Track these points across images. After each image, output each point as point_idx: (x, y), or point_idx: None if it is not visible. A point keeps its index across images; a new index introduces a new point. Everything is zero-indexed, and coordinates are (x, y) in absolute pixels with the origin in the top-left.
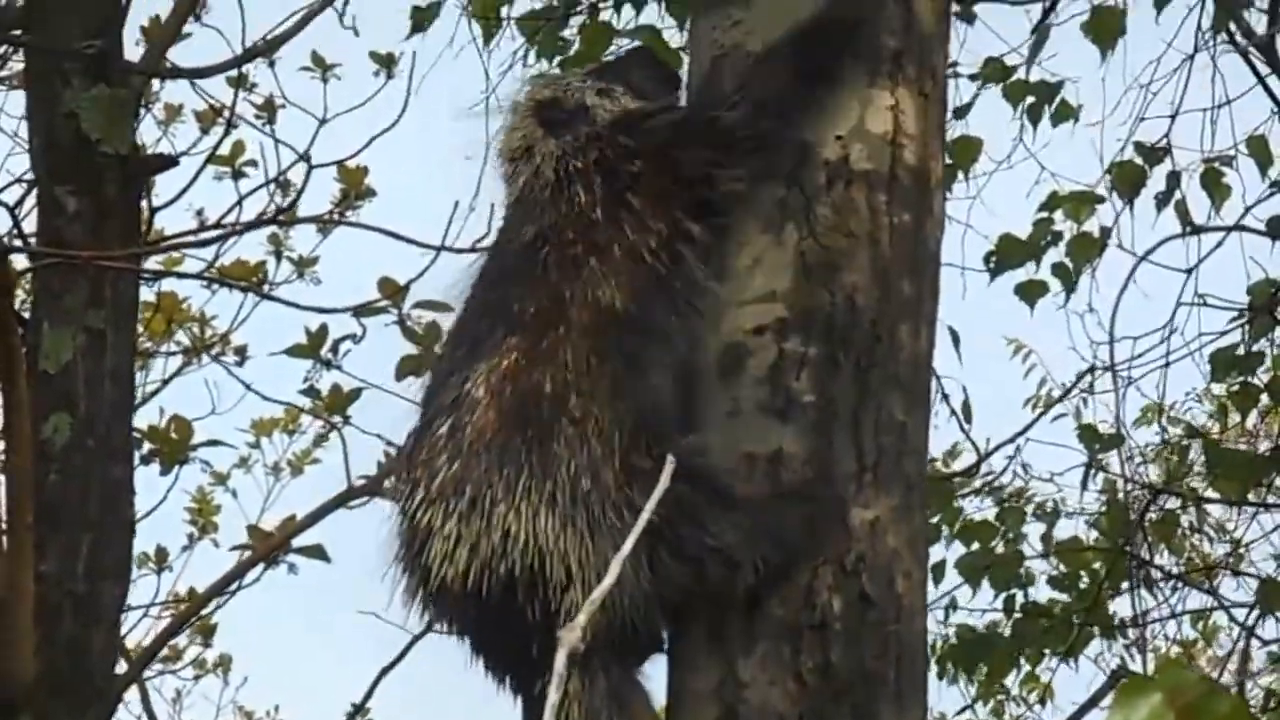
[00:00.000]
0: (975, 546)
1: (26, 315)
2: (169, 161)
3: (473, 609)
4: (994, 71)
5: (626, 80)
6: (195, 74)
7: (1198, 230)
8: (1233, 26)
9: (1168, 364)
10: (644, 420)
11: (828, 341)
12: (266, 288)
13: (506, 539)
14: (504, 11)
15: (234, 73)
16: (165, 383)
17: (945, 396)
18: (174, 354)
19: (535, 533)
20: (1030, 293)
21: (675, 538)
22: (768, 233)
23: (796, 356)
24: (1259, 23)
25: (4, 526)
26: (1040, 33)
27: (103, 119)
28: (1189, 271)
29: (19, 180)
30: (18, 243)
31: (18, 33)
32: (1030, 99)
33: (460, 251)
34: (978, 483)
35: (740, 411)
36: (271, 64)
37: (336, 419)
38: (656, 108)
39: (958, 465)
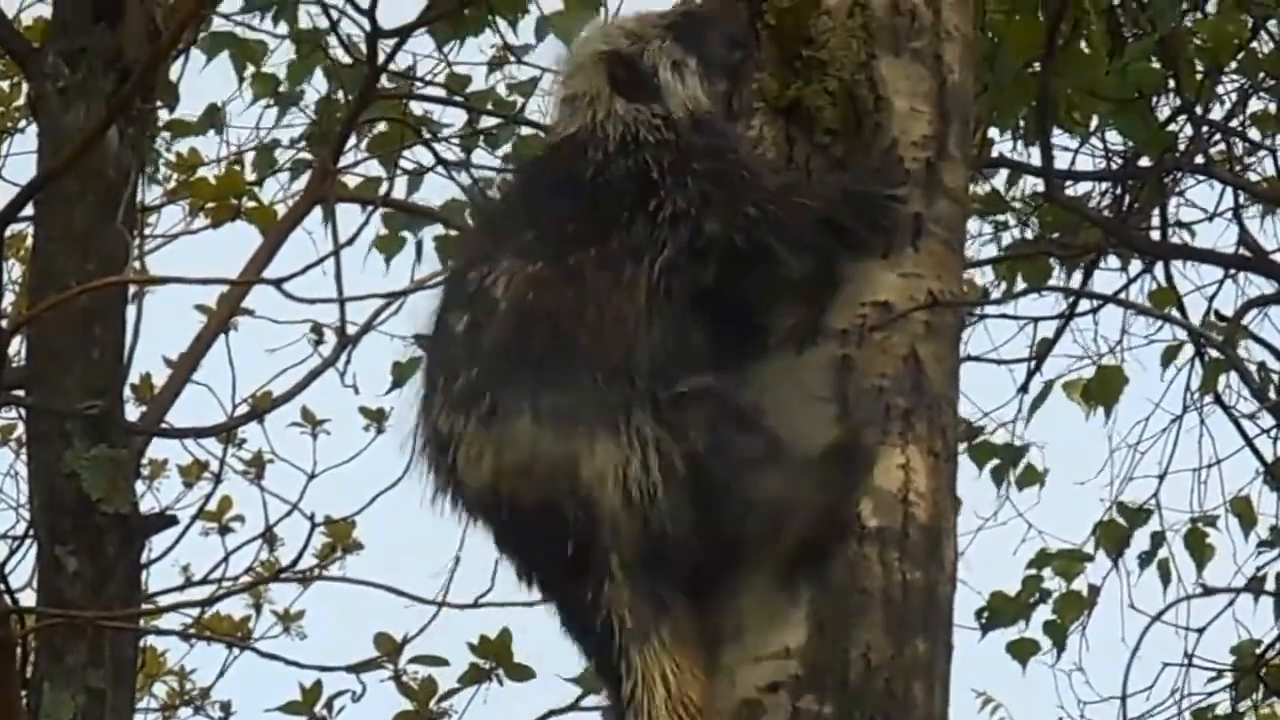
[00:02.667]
0: None
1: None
2: (169, 521)
3: (501, 510)
4: (965, 430)
5: (700, 49)
6: (196, 433)
7: (1210, 592)
8: (1220, 388)
9: None
10: (671, 354)
11: (842, 700)
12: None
13: (533, 451)
14: None
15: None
16: None
17: None
18: (152, 711)
19: (560, 447)
20: (1022, 651)
21: (721, 481)
22: (782, 590)
23: (811, 715)
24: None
25: None
26: (1035, 401)
27: (104, 480)
28: (1200, 632)
29: (5, 537)
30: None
31: (19, 392)
32: (995, 461)
33: (462, 607)
34: None
35: None
36: (261, 420)
37: None
38: (715, 143)
39: None
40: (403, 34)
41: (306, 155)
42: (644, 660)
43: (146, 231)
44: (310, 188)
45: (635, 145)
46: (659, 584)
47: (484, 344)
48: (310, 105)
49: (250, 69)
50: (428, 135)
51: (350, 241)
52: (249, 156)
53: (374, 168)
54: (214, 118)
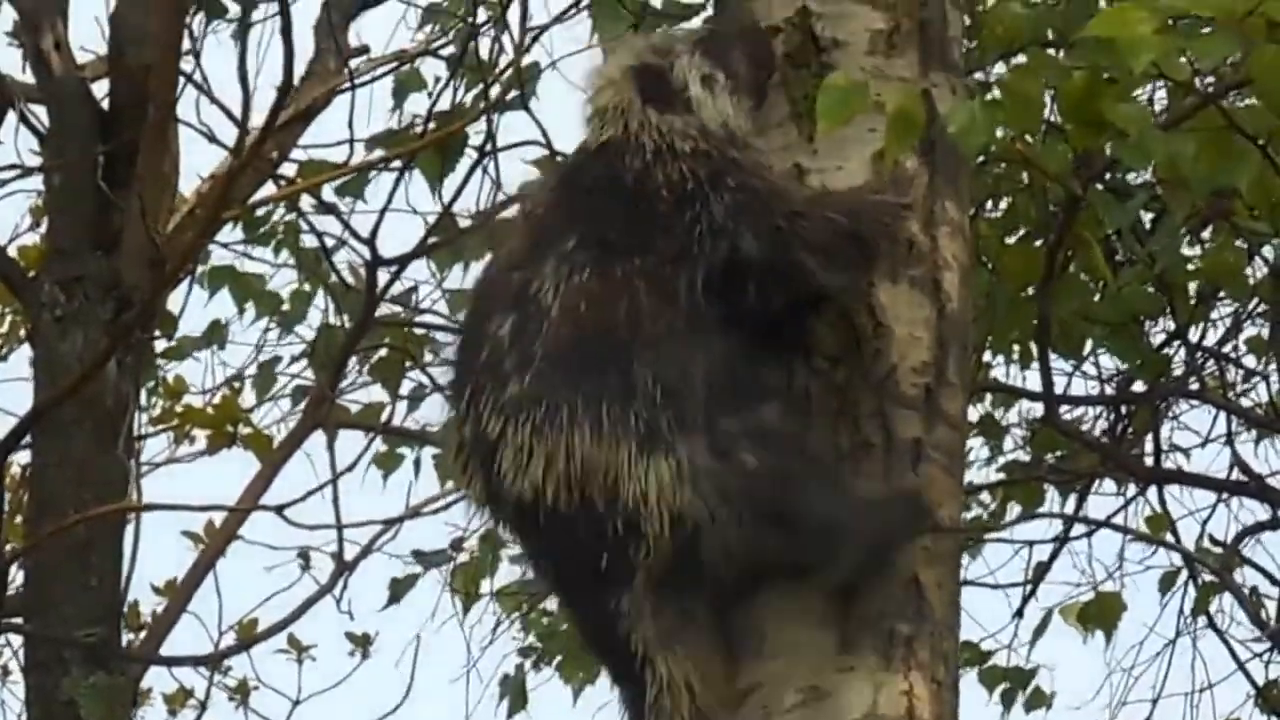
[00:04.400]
0: None
1: None
2: None
3: (539, 517)
4: (972, 655)
5: (727, 63)
6: (195, 661)
7: None
8: (1213, 610)
9: None
10: (725, 377)
11: None
12: None
13: (585, 462)
14: (483, 585)
15: None
16: None
17: None
18: None
19: (614, 460)
20: None
21: (773, 501)
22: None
23: None
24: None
25: None
26: (1036, 630)
27: (102, 707)
28: None
29: None
30: None
31: (17, 620)
32: (1005, 684)
33: None
34: None
35: None
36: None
37: None
38: (749, 159)
39: None
40: (402, 262)
41: (308, 377)
42: (669, 667)
43: (143, 457)
44: (309, 413)
45: (672, 155)
46: (686, 598)
47: (536, 350)
48: (313, 322)
49: (250, 301)
50: (428, 359)
51: (349, 469)
52: (246, 380)
53: (373, 391)
54: (216, 334)
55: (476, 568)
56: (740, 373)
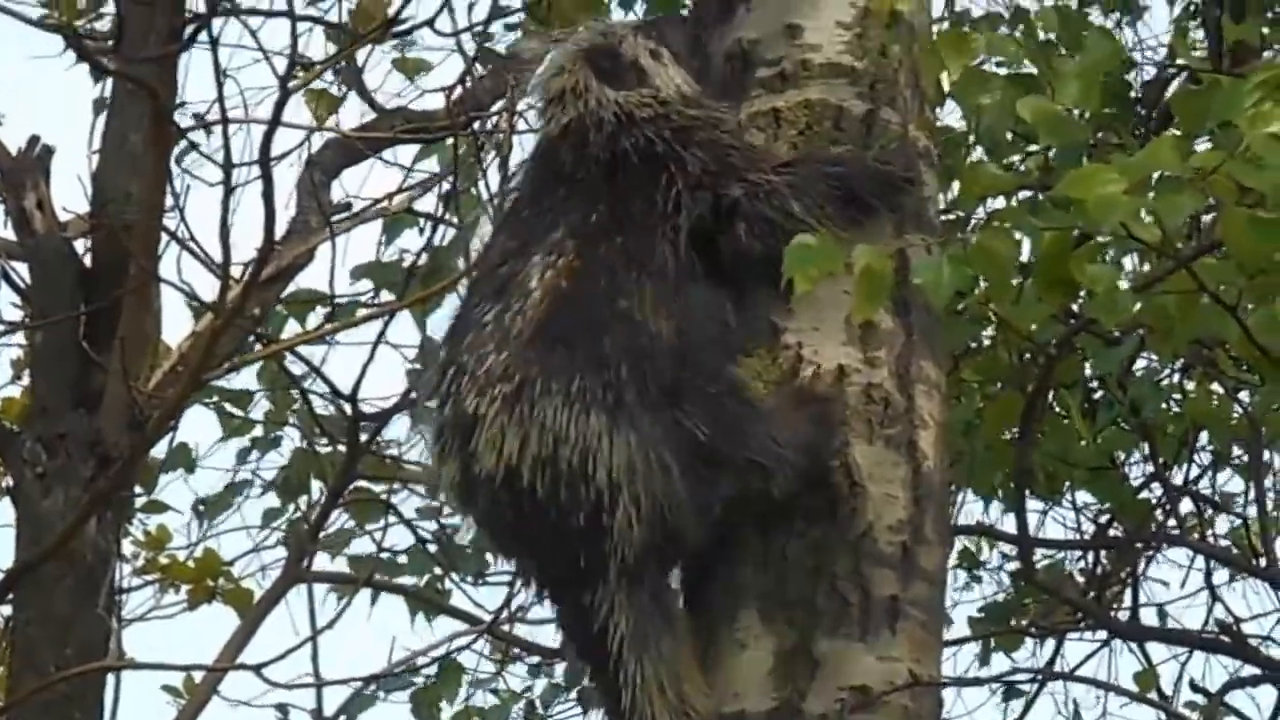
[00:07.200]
0: None
1: None
2: None
3: (513, 503)
4: None
5: (667, 43)
6: None
7: None
8: None
9: None
10: (685, 340)
11: None
12: None
13: (555, 434)
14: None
15: None
16: None
17: None
18: None
19: (583, 432)
20: None
21: (718, 450)
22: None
23: None
24: None
25: None
26: None
27: None
28: None
29: None
30: None
31: None
32: None
33: None
34: None
35: None
36: None
37: None
38: (711, 115)
39: None
40: (382, 419)
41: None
42: (641, 669)
43: (127, 607)
44: (288, 569)
45: (632, 124)
46: (660, 591)
47: (515, 329)
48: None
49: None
50: (412, 515)
51: (330, 625)
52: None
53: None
54: (184, 458)
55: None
56: (716, 337)
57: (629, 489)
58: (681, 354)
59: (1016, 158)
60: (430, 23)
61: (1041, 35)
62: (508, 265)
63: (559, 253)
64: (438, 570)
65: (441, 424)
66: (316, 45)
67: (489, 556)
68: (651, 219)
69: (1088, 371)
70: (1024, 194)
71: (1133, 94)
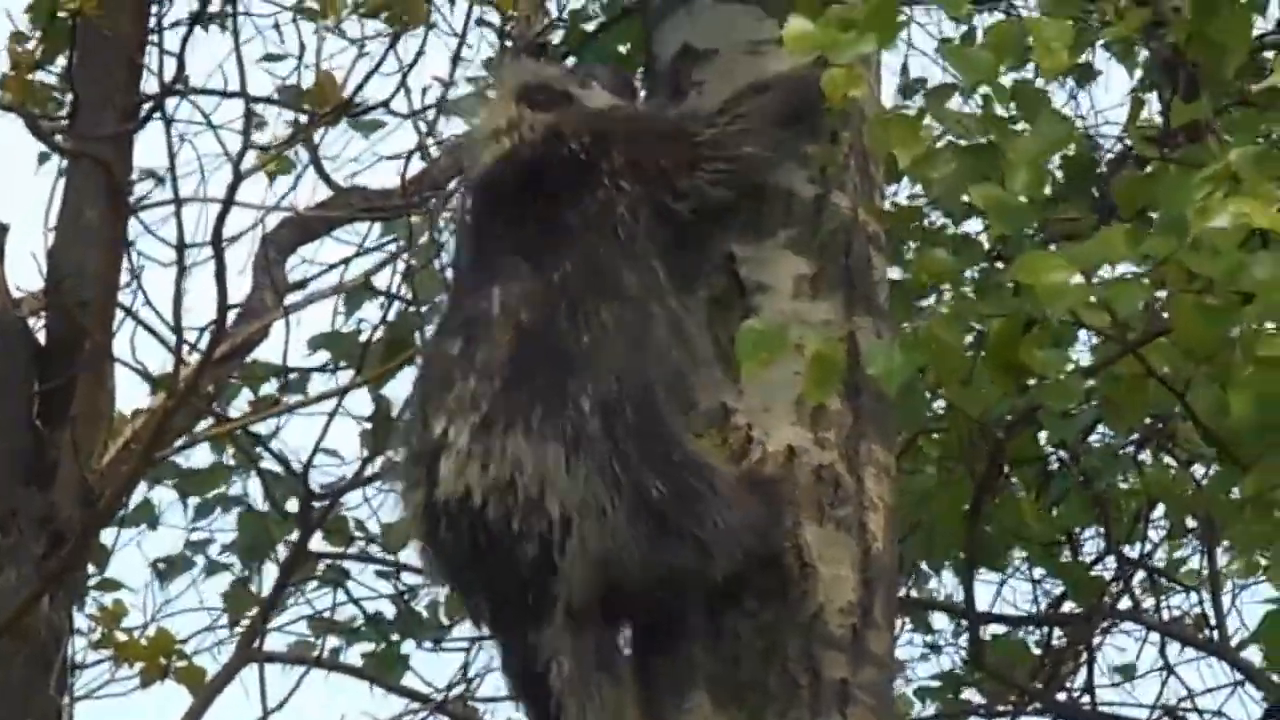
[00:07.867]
0: None
1: None
2: None
3: (470, 531)
4: None
5: (596, 78)
6: None
7: None
8: None
9: None
10: (647, 375)
11: None
12: None
13: (514, 462)
14: None
15: None
16: None
17: None
18: None
19: (542, 460)
20: None
21: (668, 515)
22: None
23: None
24: None
25: None
26: None
27: None
28: None
29: None
30: None
31: None
32: None
33: None
34: None
35: None
36: None
37: None
38: (645, 109)
39: None
40: (334, 496)
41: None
42: (583, 714)
43: (78, 686)
44: (241, 649)
45: (558, 138)
46: (606, 644)
47: (480, 359)
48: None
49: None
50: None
51: (280, 706)
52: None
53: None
54: (146, 513)
55: None
56: (676, 372)
57: (579, 527)
58: (645, 386)
59: (976, 224)
60: (386, 104)
61: (999, 111)
62: (469, 299)
63: (514, 277)
64: (395, 637)
65: (409, 455)
66: (274, 112)
67: (445, 620)
68: (599, 223)
69: (1044, 441)
70: (978, 269)
71: (1097, 170)
